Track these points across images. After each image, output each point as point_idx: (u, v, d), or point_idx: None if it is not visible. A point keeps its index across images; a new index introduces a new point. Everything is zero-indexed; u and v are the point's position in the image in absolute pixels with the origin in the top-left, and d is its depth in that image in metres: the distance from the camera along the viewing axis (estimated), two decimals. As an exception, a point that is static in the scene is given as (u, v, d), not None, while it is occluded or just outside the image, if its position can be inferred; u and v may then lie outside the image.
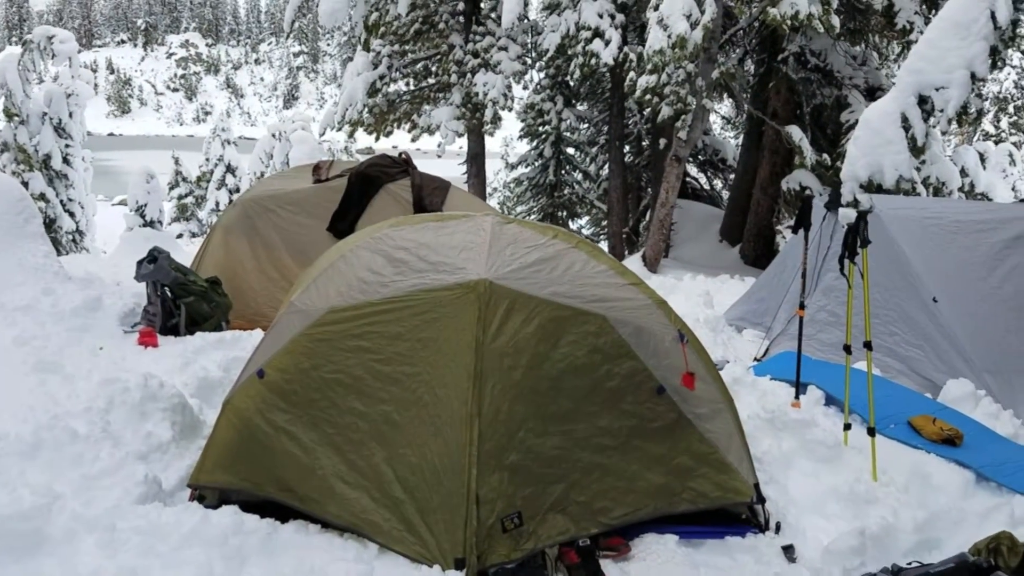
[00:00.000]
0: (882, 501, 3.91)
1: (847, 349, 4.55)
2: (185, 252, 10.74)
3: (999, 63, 8.33)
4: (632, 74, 11.05)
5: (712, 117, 19.27)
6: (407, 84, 15.30)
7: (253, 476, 3.55)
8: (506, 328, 3.55)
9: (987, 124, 36.11)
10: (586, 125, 17.99)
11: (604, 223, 18.28)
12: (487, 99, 13.31)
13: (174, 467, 3.91)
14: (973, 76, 7.95)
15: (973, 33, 7.74)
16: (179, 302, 5.95)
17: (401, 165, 7.07)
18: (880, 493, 3.98)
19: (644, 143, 17.76)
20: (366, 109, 14.20)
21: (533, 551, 3.41)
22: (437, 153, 14.39)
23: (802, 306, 5.18)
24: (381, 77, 14.38)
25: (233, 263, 6.71)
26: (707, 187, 18.29)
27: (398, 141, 13.61)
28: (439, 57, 14.67)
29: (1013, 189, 29.62)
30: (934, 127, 8.36)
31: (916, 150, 11.10)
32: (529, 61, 14.48)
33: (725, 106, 18.88)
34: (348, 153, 26.00)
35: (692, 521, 3.78)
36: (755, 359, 6.96)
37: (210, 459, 3.62)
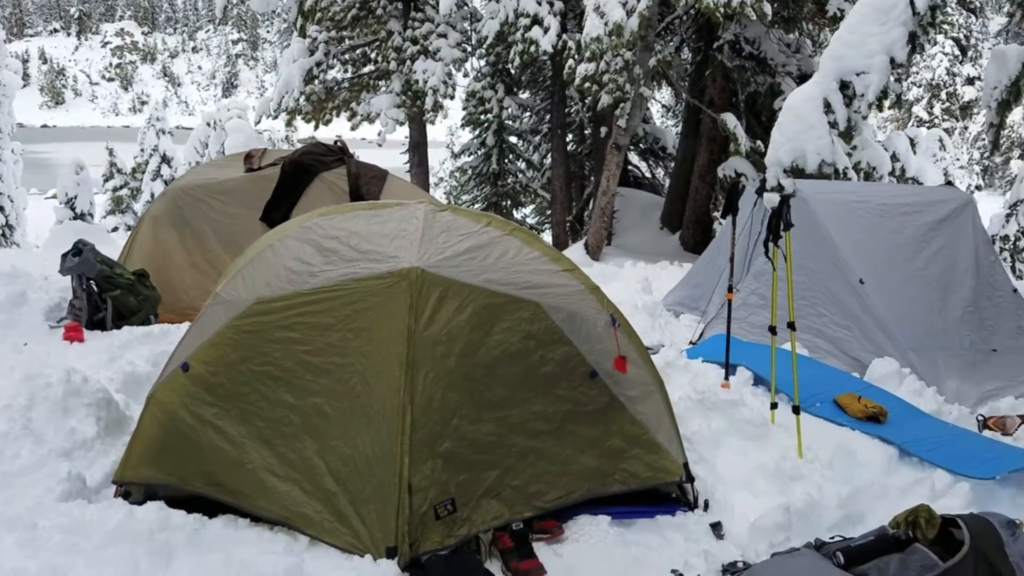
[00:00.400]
0: (807, 477, 4.02)
1: (772, 330, 4.66)
2: (117, 245, 10.43)
3: (918, 48, 8.60)
4: (571, 62, 11.09)
5: (652, 105, 19.49)
6: (345, 71, 15.09)
7: (180, 471, 3.49)
8: (439, 316, 3.55)
9: (920, 111, 37.32)
10: (528, 113, 18.01)
11: (548, 212, 18.35)
12: (427, 87, 13.21)
13: (99, 464, 3.81)
14: (892, 61, 8.19)
15: (892, 19, 7.97)
16: (105, 296, 5.80)
17: (337, 153, 6.98)
18: (805, 470, 4.10)
19: (587, 131, 17.86)
20: (303, 97, 13.97)
21: (467, 537, 3.42)
22: (377, 142, 14.23)
23: (731, 290, 5.29)
24: (318, 64, 14.16)
25: (162, 255, 6.56)
26: (648, 175, 18.50)
27: (338, 129, 13.44)
28: (377, 44, 14.50)
29: (945, 173, 30.65)
30: (856, 112, 8.59)
31: (846, 136, 11.42)
32: (469, 48, 14.42)
33: (664, 94, 19.08)
34: (289, 142, 25.58)
35: (624, 502, 3.85)
36: (691, 342, 7.08)
37: (135, 455, 3.54)
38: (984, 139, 34.65)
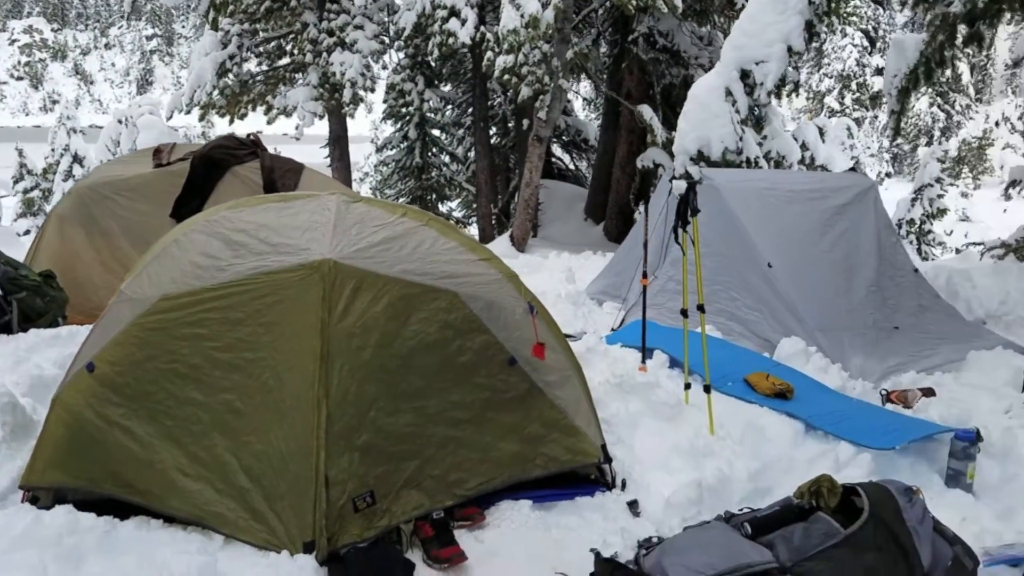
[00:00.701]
0: (719, 454, 4.16)
1: (684, 314, 4.78)
2: (25, 247, 10.00)
3: (815, 37, 8.92)
4: (490, 54, 11.11)
5: (573, 98, 19.69)
6: (260, 64, 14.76)
7: (88, 473, 3.38)
8: (353, 308, 3.53)
9: (832, 101, 38.70)
10: (451, 106, 17.97)
11: (474, 205, 18.35)
12: (345, 79, 13.04)
13: (5, 469, 3.67)
14: (790, 50, 8.46)
15: (790, 7, 8.24)
16: (10, 298, 5.55)
17: (250, 147, 6.84)
18: (717, 446, 4.23)
19: (510, 124, 17.91)
20: (216, 91, 13.61)
21: (387, 528, 3.42)
22: (295, 136, 13.98)
23: (645, 276, 5.40)
24: (231, 57, 13.80)
25: (69, 255, 6.32)
26: (572, 167, 18.70)
27: (254, 124, 13.15)
28: (293, 36, 14.22)
29: (857, 161, 31.87)
30: (757, 100, 8.86)
31: (757, 126, 11.77)
32: (387, 40, 14.27)
33: (585, 87, 19.31)
34: (205, 139, 24.85)
35: (546, 485, 3.90)
36: (612, 329, 7.21)
37: (41, 459, 3.42)
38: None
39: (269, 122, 14.31)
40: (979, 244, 10.23)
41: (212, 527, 3.27)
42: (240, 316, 3.44)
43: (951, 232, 24.12)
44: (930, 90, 36.87)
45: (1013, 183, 10.04)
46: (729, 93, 8.72)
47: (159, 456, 3.34)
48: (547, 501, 3.86)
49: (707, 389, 4.51)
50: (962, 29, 7.61)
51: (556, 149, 18.44)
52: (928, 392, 5.60)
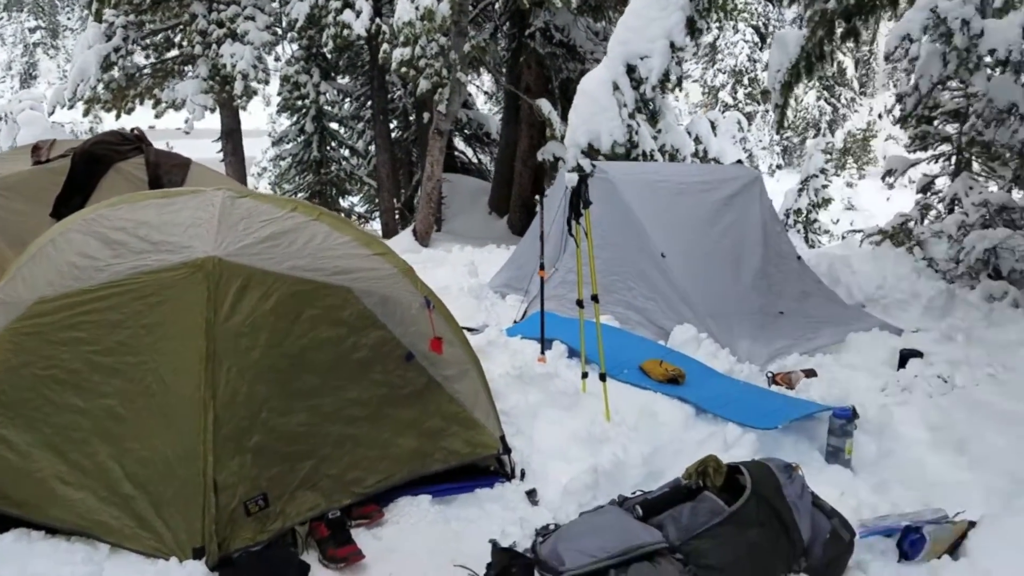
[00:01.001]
0: (614, 440, 4.26)
1: (579, 304, 4.88)
2: None
3: (698, 33, 9.22)
4: (386, 46, 10.99)
5: (474, 92, 19.70)
6: (147, 57, 14.13)
7: (-41, 487, 3.19)
8: (241, 307, 3.44)
9: (726, 96, 40.01)
10: (349, 99, 17.68)
11: (377, 200, 18.12)
12: (235, 71, 12.64)
13: None
14: (673, 45, 8.71)
15: (672, 4, 8.49)
16: None
17: (133, 142, 6.53)
18: (612, 432, 4.34)
19: (411, 117, 17.77)
20: (101, 84, 12.96)
21: (281, 531, 3.37)
22: (184, 130, 13.47)
23: (542, 268, 5.47)
24: (116, 49, 13.17)
25: (-63, 259, 5.89)
26: (475, 161, 18.72)
27: (142, 118, 12.59)
28: (181, 27, 13.69)
29: (750, 154, 33.05)
30: (643, 95, 9.09)
31: (653, 119, 12.06)
32: (280, 31, 13.91)
33: (486, 81, 19.35)
34: (93, 135, 23.57)
35: (446, 479, 3.92)
36: (514, 321, 7.27)
37: (-92, 473, 3.21)
38: (785, 120, 37.81)
39: (158, 116, 13.74)
40: (860, 231, 10.81)
41: (97, 536, 3.15)
42: (120, 318, 3.31)
43: (838, 221, 25.33)
44: (817, 84, 38.62)
45: (889, 172, 10.66)
46: (616, 87, 8.90)
47: (38, 465, 3.19)
48: (447, 495, 3.88)
49: (603, 377, 4.62)
50: (840, 25, 8.00)
51: (459, 143, 18.42)
52: (810, 373, 5.89)
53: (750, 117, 35.17)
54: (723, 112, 27.48)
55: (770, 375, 5.96)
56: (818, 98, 41.12)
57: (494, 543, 3.28)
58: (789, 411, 4.67)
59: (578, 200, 4.49)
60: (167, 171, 6.36)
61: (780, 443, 4.56)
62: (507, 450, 4.06)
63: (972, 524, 3.57)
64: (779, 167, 38.98)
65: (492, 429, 4.06)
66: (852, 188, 34.66)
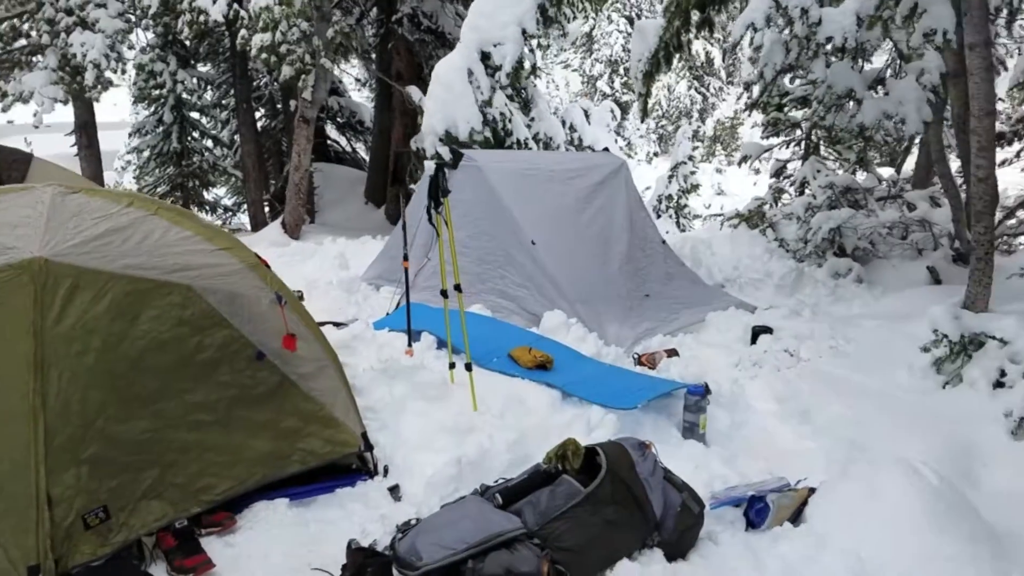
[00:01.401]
0: (480, 429, 4.26)
1: (444, 294, 4.84)
2: None
3: (551, 22, 9.33)
4: (244, 32, 10.54)
5: (345, 79, 19.27)
6: (-9, 48, 13.01)
7: None
8: (71, 309, 3.23)
9: (603, 85, 40.82)
10: (210, 87, 16.91)
11: (245, 192, 17.44)
12: (87, 61, 11.81)
13: None
14: (524, 32, 8.77)
15: (523, -10, 8.50)
16: None
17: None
18: (479, 422, 4.34)
19: (279, 105, 17.16)
20: (-64, 75, 11.84)
21: (125, 543, 3.19)
22: (33, 124, 12.49)
23: (406, 258, 5.40)
24: (-46, 40, 12.06)
25: None
26: (349, 149, 18.31)
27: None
28: (27, 16, 12.67)
29: (629, 143, 33.77)
30: (498, 82, 9.12)
31: (525, 108, 12.12)
32: (133, 18, 13.10)
33: (357, 67, 18.95)
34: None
35: (305, 481, 3.81)
36: (387, 313, 7.16)
37: None
38: (658, 110, 38.94)
39: (4, 110, 12.67)
40: (721, 215, 11.27)
41: (-88, 563, 2.87)
42: (-66, 325, 3.02)
43: (709, 205, 26.35)
44: (688, 74, 39.96)
45: (744, 158, 11.18)
46: (471, 73, 8.87)
47: None
48: (306, 497, 3.77)
49: (468, 367, 4.61)
50: (695, 14, 8.26)
51: (332, 131, 17.97)
52: (672, 353, 6.10)
53: (626, 106, 35.99)
54: (600, 101, 28.06)
55: (636, 356, 6.12)
56: (689, 87, 42.48)
57: (349, 543, 3.21)
58: (647, 391, 4.81)
59: (437, 189, 4.43)
60: (6, 168, 5.94)
61: (640, 422, 4.69)
62: (369, 447, 3.98)
63: (812, 491, 3.78)
64: (656, 155, 40.09)
65: (353, 426, 3.97)
66: (722, 174, 36.13)
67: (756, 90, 8.75)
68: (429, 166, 4.76)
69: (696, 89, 43.40)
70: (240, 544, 3.39)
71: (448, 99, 8.71)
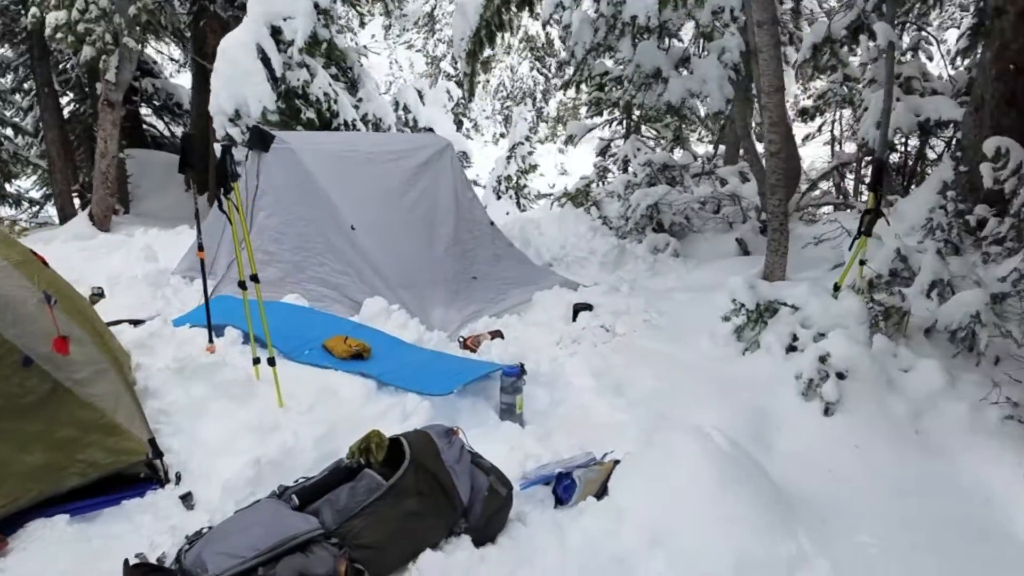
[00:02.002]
0: (285, 426, 4.06)
1: (242, 285, 4.57)
2: None
3: None
4: (35, 9, 9.57)
5: (163, 60, 18.04)
6: None
7: None
8: None
9: (447, 66, 40.53)
10: (8, 71, 15.34)
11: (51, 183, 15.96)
12: None
13: None
14: (317, 7, 8.51)
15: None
16: None
17: None
18: (284, 419, 4.14)
19: (88, 89, 15.80)
20: None
21: None
22: None
23: (201, 248, 5.06)
24: None
25: None
26: (167, 134, 17.17)
27: None
28: None
29: (475, 124, 33.62)
30: (291, 58, 8.82)
31: (352, 88, 11.77)
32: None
33: (172, 47, 17.76)
34: None
35: (88, 494, 3.48)
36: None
37: None
38: (502, 91, 39.15)
39: None
40: (550, 195, 11.44)
41: None
42: None
43: (554, 185, 26.87)
44: (529, 55, 40.40)
45: (570, 137, 11.39)
46: (261, 50, 8.49)
47: None
48: (89, 511, 3.45)
49: (271, 362, 4.37)
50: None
51: (148, 115, 16.78)
52: (496, 334, 6.11)
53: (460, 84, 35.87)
54: (448, 80, 27.77)
55: (461, 339, 6.08)
56: (531, 68, 43.04)
57: (125, 561, 2.95)
58: (464, 375, 4.77)
59: (225, 174, 4.14)
60: None
61: (458, 407, 4.65)
62: (159, 453, 3.69)
63: (617, 463, 3.85)
64: (502, 135, 40.38)
65: (138, 432, 3.66)
66: (564, 154, 36.92)
67: (571, 69, 8.89)
68: (217, 148, 4.45)
69: (538, 70, 44.02)
70: (12, 567, 3.05)
71: (234, 76, 8.24)
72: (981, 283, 5.50)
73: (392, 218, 7.06)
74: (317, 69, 10.82)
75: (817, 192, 9.95)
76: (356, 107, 11.85)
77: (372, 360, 4.98)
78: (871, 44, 6.82)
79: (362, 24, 13.29)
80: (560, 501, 3.72)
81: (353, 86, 12.22)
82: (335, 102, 11.10)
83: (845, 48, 6.70)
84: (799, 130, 11.72)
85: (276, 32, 8.20)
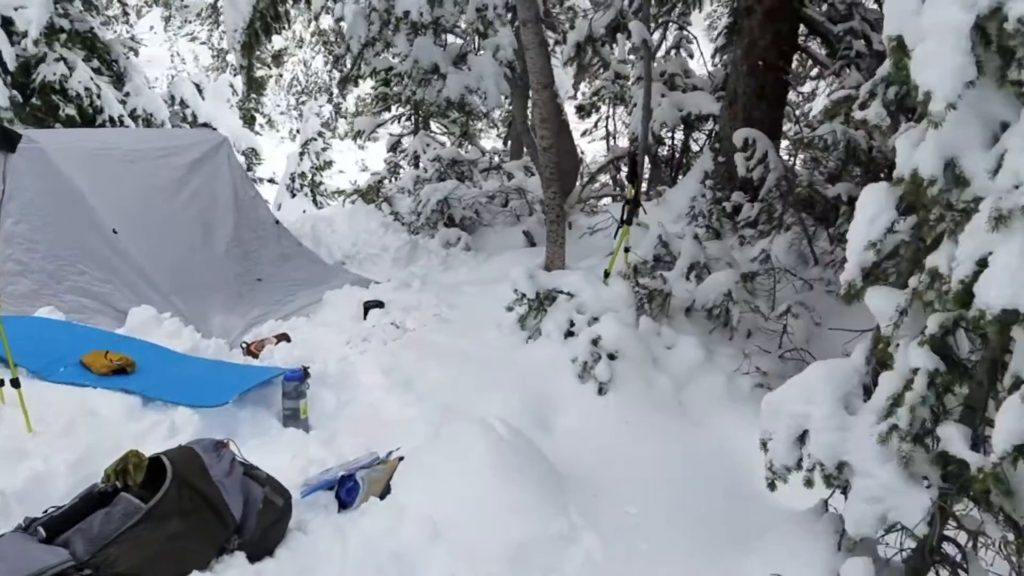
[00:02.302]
0: (34, 453, 3.67)
1: (-27, 301, 4.09)
2: None
3: None
4: None
5: None
6: None
7: None
8: None
9: (233, 58, 38.50)
10: None
11: None
12: None
13: None
14: None
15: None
16: None
17: None
18: (33, 444, 3.74)
19: None
20: None
21: None
22: None
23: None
24: None
25: None
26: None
27: None
28: None
29: (270, 120, 32.15)
30: (26, 50, 8.16)
31: (119, 82, 10.89)
32: None
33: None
34: None
35: None
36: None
37: None
38: (296, 85, 37.76)
39: None
40: (343, 192, 11.24)
41: None
42: None
43: (355, 182, 26.37)
44: (323, 48, 39.26)
45: (358, 133, 11.22)
46: None
47: None
48: None
49: (15, 383, 3.93)
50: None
51: None
52: (282, 337, 5.90)
53: (262, 81, 34.39)
54: (234, 75, 26.31)
55: (244, 345, 5.81)
56: (326, 63, 41.97)
57: None
58: (241, 383, 4.55)
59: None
60: None
61: (238, 417, 4.43)
62: None
63: (402, 459, 3.85)
64: (299, 131, 39.09)
65: None
66: (365, 150, 36.38)
67: (348, 63, 8.76)
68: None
69: (333, 64, 42.96)
70: None
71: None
72: (733, 264, 6.06)
73: (161, 219, 6.59)
74: (76, 62, 9.93)
75: (597, 185, 10.49)
76: (123, 102, 11.00)
77: (137, 374, 4.61)
78: (628, 43, 7.28)
79: (137, 14, 12.35)
80: (343, 505, 3.65)
81: (119, 80, 11.32)
82: (98, 97, 10.24)
83: (607, 47, 7.10)
84: (579, 126, 12.33)
85: (7, 23, 7.38)
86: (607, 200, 10.36)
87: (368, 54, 7.71)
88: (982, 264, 2.06)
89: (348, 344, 5.86)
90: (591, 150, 14.57)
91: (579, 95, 11.38)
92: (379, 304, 6.44)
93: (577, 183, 10.58)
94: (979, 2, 1.98)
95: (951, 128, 2.12)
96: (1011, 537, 2.42)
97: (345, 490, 3.66)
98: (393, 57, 7.88)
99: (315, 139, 20.70)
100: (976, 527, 2.50)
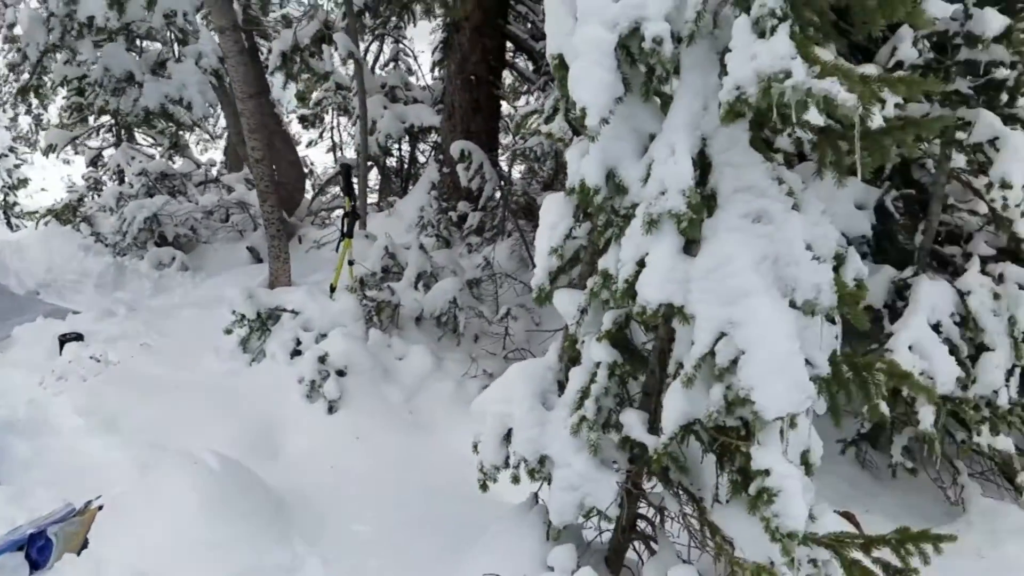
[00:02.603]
0: None
1: None
2: None
3: None
4: None
5: None
6: None
7: None
8: None
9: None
10: None
11: None
12: None
13: None
14: None
15: None
16: None
17: None
18: None
19: None
20: None
21: None
22: None
23: None
24: None
25: None
26: None
27: None
28: None
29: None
30: None
31: None
32: None
33: None
34: None
35: None
36: None
37: None
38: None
39: None
40: (35, 213, 9.99)
41: None
42: None
43: (61, 200, 23.52)
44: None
45: (50, 147, 9.87)
46: None
47: None
48: None
49: None
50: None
51: None
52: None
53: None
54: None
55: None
56: (10, 68, 37.16)
57: None
58: None
59: None
60: None
61: None
62: None
63: (101, 508, 3.49)
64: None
65: None
66: (71, 165, 32.66)
67: (27, 72, 7.81)
68: None
69: (12, 72, 38.21)
70: None
71: None
72: (458, 271, 6.23)
73: None
74: None
75: (327, 196, 10.29)
76: None
77: None
78: (336, 54, 7.23)
79: None
80: (36, 566, 3.25)
81: None
82: None
83: (315, 57, 7.00)
84: (306, 136, 12.02)
85: None
86: (339, 212, 10.18)
87: (49, 62, 6.88)
88: (641, 264, 2.29)
89: (41, 384, 5.21)
90: (322, 161, 14.26)
91: (301, 106, 11.09)
92: (77, 337, 5.78)
93: (307, 195, 10.31)
94: (620, 23, 2.19)
95: (608, 140, 2.33)
96: (689, 510, 2.71)
97: (36, 549, 3.25)
98: (78, 66, 7.10)
99: (6, 155, 18.16)
100: (659, 503, 2.77)
